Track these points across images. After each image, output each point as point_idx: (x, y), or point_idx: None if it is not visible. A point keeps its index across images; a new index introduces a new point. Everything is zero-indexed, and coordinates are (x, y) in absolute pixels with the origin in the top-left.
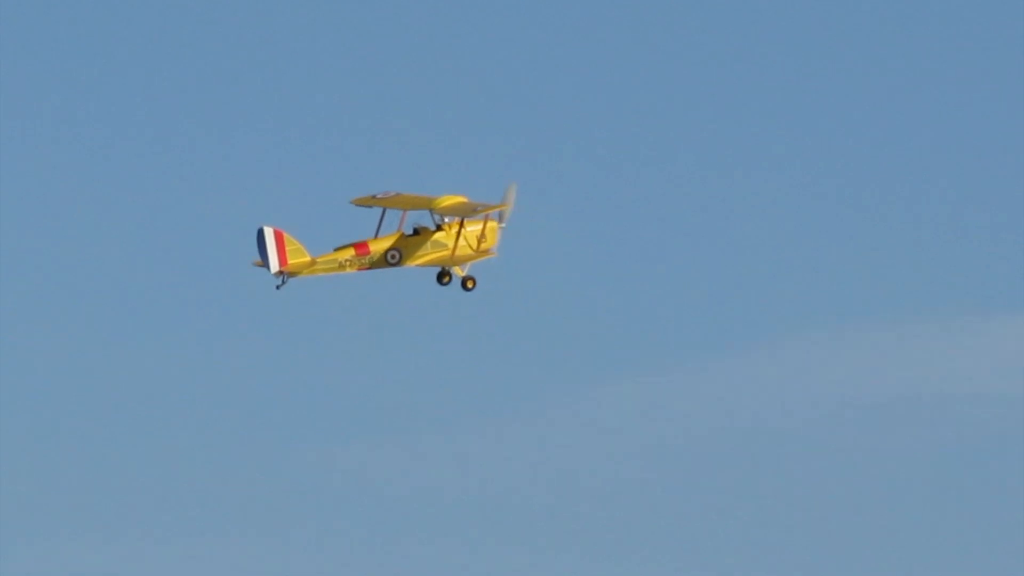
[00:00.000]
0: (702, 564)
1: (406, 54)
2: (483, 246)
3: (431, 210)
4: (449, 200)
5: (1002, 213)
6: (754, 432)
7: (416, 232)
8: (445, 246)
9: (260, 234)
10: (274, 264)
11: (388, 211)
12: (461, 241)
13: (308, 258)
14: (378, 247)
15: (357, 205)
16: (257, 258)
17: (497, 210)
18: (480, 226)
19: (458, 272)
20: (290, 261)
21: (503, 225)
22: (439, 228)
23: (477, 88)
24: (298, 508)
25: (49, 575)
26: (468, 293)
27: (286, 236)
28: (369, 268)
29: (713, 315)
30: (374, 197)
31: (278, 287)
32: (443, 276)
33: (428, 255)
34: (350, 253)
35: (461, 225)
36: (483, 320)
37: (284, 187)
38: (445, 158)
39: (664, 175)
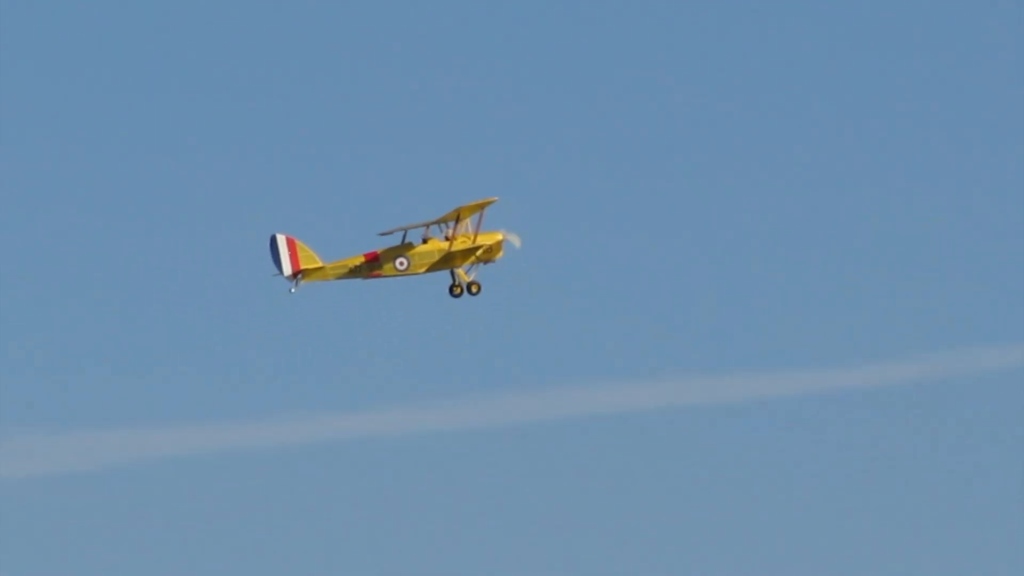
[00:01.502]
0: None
1: (413, 65)
2: (488, 256)
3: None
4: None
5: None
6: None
7: (424, 242)
8: (452, 254)
9: (273, 241)
10: (287, 267)
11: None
12: (467, 249)
13: (319, 263)
14: (387, 255)
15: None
16: (273, 269)
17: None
18: (489, 241)
19: (463, 277)
20: (302, 265)
21: (515, 243)
22: (446, 239)
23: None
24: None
25: None
26: (475, 297)
27: (298, 243)
28: (379, 275)
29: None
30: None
31: (291, 290)
32: (454, 288)
33: (435, 262)
34: (360, 260)
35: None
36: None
37: (300, 202)
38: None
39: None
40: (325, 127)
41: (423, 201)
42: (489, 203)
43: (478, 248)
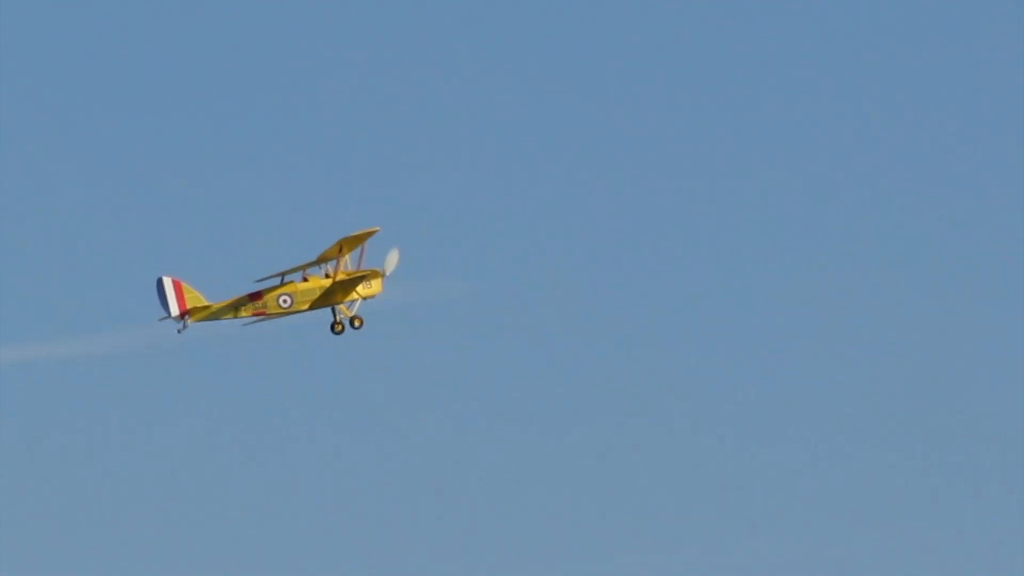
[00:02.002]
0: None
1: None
2: (367, 292)
3: (320, 263)
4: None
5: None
6: None
7: (305, 280)
8: (333, 289)
9: (159, 283)
10: (174, 308)
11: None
12: (348, 282)
13: (205, 303)
14: (271, 294)
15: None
16: (161, 312)
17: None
18: (368, 277)
19: (345, 312)
20: (188, 306)
21: (387, 274)
22: (327, 276)
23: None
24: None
25: None
26: (357, 331)
27: (184, 284)
28: (264, 313)
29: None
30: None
31: (179, 331)
32: (336, 326)
33: (316, 299)
34: (245, 300)
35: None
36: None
37: (180, 246)
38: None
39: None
40: (199, 169)
41: (302, 240)
42: (371, 233)
43: (357, 281)
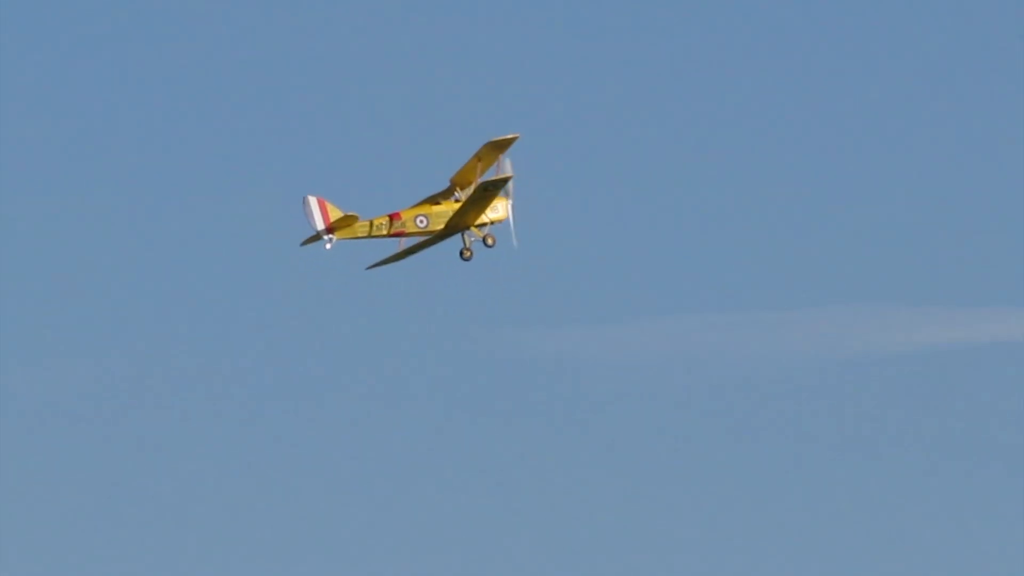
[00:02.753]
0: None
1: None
2: (495, 217)
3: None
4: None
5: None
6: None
7: (438, 203)
8: (464, 211)
9: (305, 202)
10: (320, 224)
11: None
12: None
13: (348, 220)
14: (408, 214)
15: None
16: (306, 234)
17: (501, 179)
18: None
19: (477, 233)
20: (332, 221)
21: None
22: (457, 201)
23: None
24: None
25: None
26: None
27: (327, 203)
28: (402, 232)
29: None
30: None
31: (327, 247)
32: (464, 252)
33: (450, 220)
34: (385, 219)
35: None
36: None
37: (320, 167)
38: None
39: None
40: (332, 92)
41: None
42: (513, 140)
43: (490, 199)
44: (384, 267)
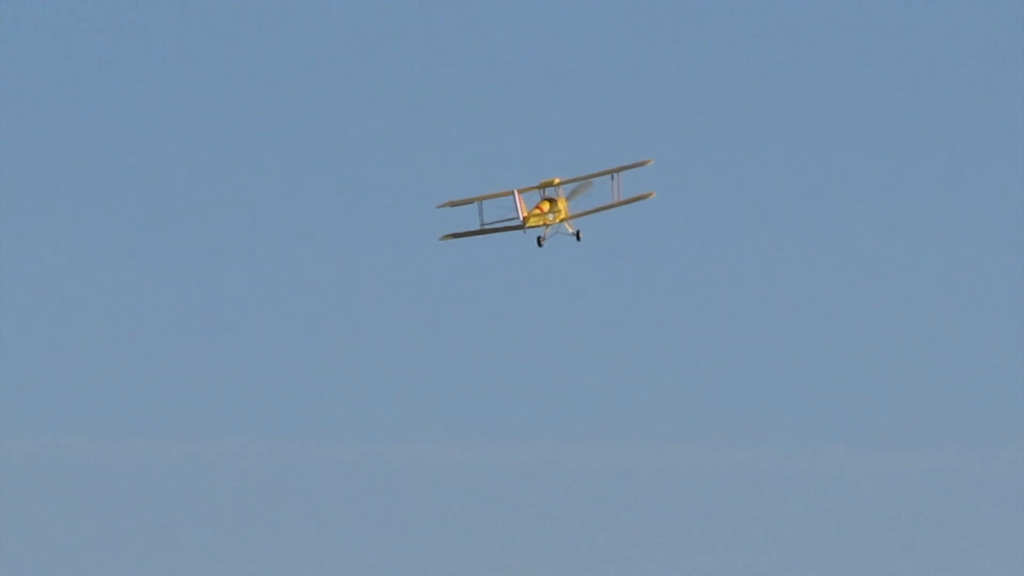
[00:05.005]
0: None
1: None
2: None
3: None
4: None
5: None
6: None
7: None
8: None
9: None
10: (521, 214)
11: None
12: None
13: (537, 212)
14: (545, 207)
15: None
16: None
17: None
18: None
19: (569, 228)
20: (526, 214)
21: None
22: (551, 200)
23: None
24: None
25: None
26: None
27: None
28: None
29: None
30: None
31: (540, 241)
32: (540, 240)
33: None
34: (538, 210)
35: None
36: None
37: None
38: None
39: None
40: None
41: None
42: (644, 164)
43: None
44: (459, 239)
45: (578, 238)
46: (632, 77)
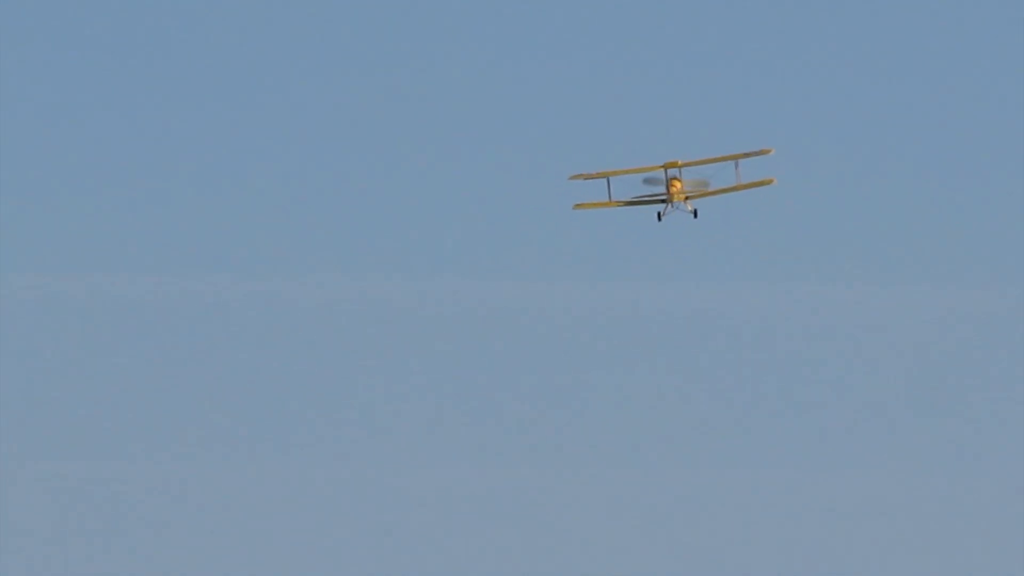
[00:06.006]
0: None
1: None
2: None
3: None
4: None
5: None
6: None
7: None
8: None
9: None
10: (670, 190)
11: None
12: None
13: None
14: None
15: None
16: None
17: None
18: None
19: (688, 208)
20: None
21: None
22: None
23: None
24: None
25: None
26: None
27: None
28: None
29: None
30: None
31: (694, 217)
32: (660, 216)
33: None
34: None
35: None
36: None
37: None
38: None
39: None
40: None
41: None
42: (764, 152)
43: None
44: (592, 209)
45: (695, 215)
46: (763, 69)
